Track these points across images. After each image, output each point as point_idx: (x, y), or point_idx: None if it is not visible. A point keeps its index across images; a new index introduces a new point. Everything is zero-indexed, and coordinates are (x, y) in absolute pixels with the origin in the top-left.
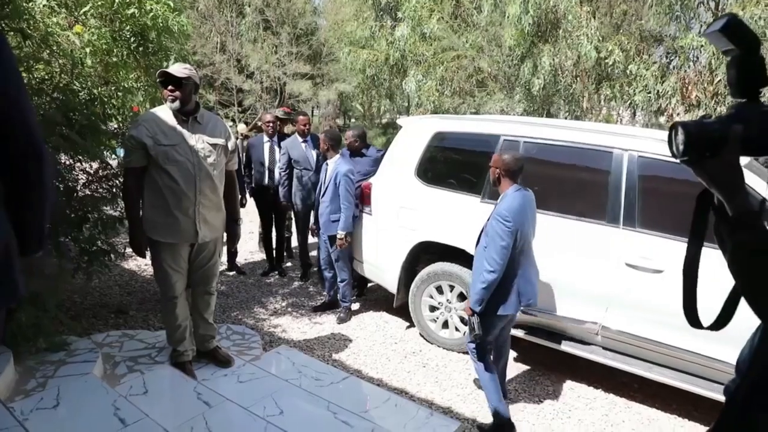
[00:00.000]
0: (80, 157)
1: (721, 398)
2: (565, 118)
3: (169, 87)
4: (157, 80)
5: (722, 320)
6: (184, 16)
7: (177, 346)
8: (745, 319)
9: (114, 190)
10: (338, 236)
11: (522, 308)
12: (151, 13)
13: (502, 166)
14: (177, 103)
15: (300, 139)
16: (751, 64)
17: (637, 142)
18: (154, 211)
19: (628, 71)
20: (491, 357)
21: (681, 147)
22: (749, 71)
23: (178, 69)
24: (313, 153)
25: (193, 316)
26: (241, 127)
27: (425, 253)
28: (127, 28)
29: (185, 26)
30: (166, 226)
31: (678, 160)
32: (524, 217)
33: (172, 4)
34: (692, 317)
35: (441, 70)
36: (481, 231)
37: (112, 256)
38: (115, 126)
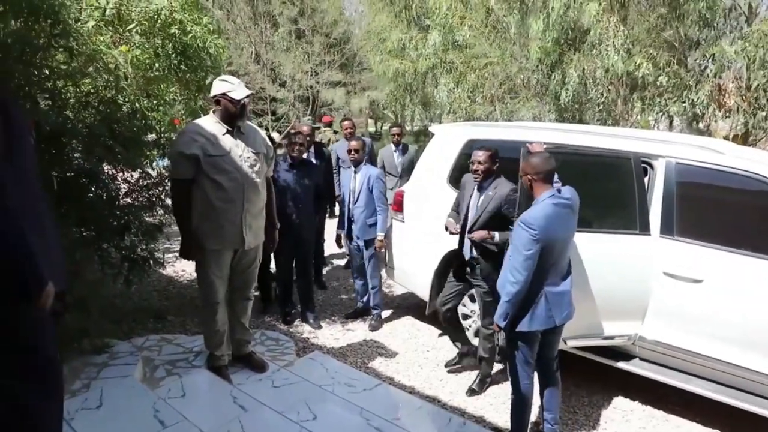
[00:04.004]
0: (122, 167)
1: (761, 411)
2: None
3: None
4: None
5: None
6: (222, 38)
7: (215, 351)
8: None
9: (153, 199)
10: (378, 238)
11: (559, 323)
12: (191, 34)
13: (531, 170)
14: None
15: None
16: None
17: (674, 148)
18: (204, 220)
19: (658, 83)
20: (530, 380)
21: None
22: None
23: (245, 91)
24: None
25: (231, 320)
26: (275, 136)
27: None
28: (169, 45)
29: (222, 48)
30: (215, 234)
31: None
32: (553, 227)
33: (211, 27)
34: None
35: (473, 78)
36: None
37: (151, 262)
38: (155, 137)
